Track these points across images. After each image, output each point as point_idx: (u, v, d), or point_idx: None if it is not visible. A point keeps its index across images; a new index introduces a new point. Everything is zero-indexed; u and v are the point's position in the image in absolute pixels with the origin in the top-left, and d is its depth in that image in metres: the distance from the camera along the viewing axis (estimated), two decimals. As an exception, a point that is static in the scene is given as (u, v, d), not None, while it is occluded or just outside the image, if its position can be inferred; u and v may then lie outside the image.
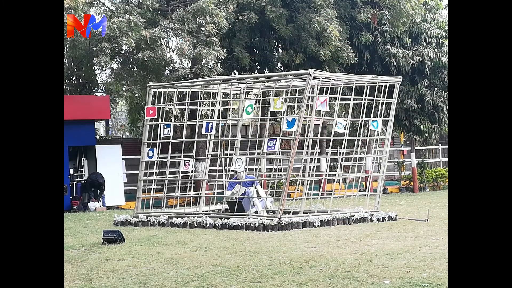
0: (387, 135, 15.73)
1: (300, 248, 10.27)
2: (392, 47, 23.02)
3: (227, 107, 19.48)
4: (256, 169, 19.23)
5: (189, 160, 15.72)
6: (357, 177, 17.43)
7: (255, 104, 16.70)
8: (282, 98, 15.01)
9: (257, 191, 14.99)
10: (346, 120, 14.92)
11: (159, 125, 15.61)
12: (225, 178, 16.78)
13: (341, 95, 15.01)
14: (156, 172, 16.36)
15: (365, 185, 20.29)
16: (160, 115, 15.91)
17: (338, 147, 22.59)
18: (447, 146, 29.17)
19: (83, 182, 20.24)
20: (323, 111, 15.11)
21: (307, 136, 14.33)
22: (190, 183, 18.96)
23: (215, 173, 17.14)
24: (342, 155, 15.50)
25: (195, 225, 13.84)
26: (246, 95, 18.96)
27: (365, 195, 15.62)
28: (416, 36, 23.77)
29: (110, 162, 20.59)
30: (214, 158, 18.13)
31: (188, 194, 17.79)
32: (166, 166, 16.75)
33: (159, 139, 15.72)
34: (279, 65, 24.12)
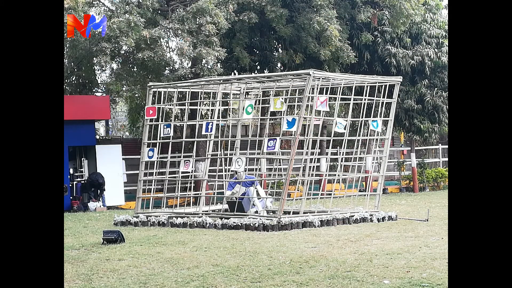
0: (387, 135, 15.72)
1: (300, 248, 10.27)
2: (392, 47, 23.02)
3: (227, 107, 19.46)
4: (256, 169, 19.22)
5: (189, 160, 15.71)
6: (357, 177, 17.43)
7: (255, 104, 16.69)
8: (282, 98, 15.00)
9: (257, 191, 14.99)
10: (346, 120, 14.91)
11: (159, 125, 15.60)
12: (225, 178, 16.78)
13: (341, 95, 15.00)
14: (156, 172, 16.36)
15: (365, 185, 20.29)
16: (160, 115, 15.90)
17: (338, 147, 22.59)
18: (447, 146, 29.16)
19: (83, 182, 20.24)
20: (323, 111, 15.10)
21: (307, 136, 14.32)
22: (190, 183, 18.96)
23: (215, 173, 17.13)
24: (342, 155, 15.49)
25: (195, 225, 13.83)
26: (246, 95, 18.95)
27: (365, 195, 15.61)
28: (416, 36, 23.77)
29: (110, 162, 20.59)
30: (214, 158, 18.12)
31: (188, 194, 17.78)
32: (166, 166, 16.75)
33: (159, 139, 15.72)
34: (279, 65, 24.12)
